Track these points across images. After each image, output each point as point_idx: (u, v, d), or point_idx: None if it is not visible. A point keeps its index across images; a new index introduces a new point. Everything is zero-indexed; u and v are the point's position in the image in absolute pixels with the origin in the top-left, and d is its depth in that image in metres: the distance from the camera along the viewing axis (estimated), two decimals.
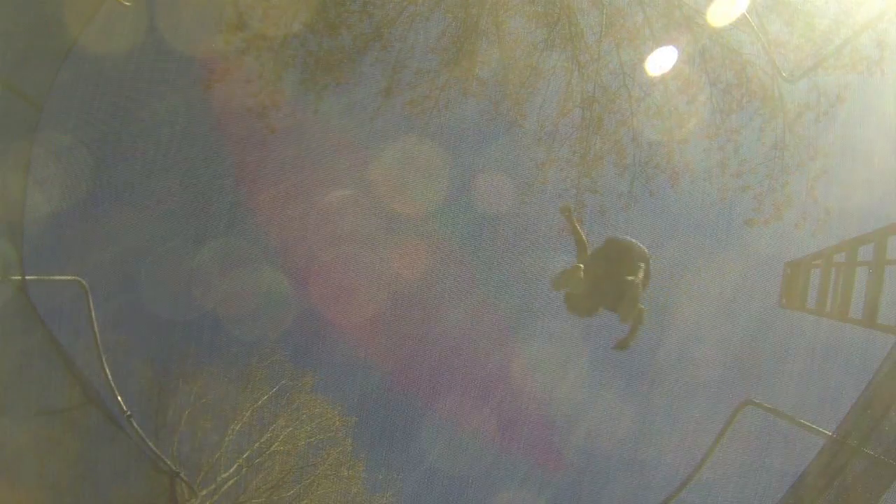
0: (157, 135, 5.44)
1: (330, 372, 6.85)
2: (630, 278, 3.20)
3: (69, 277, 4.64)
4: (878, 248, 3.43)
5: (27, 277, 4.21)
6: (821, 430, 3.93)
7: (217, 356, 6.78)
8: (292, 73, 5.99)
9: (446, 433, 6.14)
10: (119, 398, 4.63)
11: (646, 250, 3.45)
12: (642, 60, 6.04)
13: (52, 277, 4.50)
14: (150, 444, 5.05)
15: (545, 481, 5.94)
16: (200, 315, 5.95)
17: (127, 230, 5.46)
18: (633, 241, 3.48)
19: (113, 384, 4.61)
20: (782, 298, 4.72)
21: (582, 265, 3.31)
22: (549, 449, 5.99)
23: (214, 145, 5.68)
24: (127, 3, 4.58)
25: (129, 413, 4.84)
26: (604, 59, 6.06)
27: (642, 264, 3.35)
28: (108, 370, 4.52)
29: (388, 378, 6.13)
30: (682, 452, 5.10)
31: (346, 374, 6.50)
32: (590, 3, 6.03)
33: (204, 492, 7.19)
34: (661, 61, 5.93)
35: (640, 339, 3.40)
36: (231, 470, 7.55)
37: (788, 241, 5.52)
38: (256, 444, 7.65)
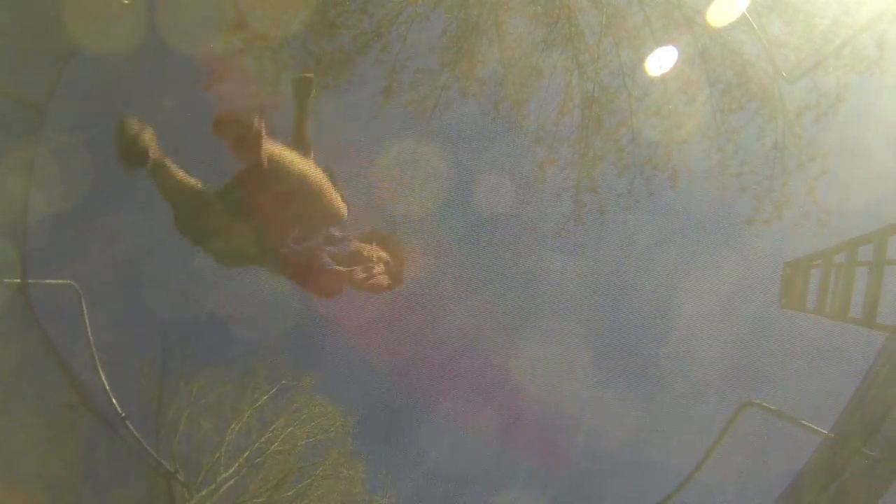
0: (157, 135, 5.42)
1: (330, 372, 6.85)
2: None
3: (63, 281, 4.63)
4: (878, 249, 3.43)
5: (23, 280, 4.20)
6: (821, 430, 3.94)
7: (217, 356, 6.78)
8: (292, 73, 5.98)
9: (447, 433, 6.15)
10: (114, 400, 4.62)
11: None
12: (642, 60, 6.03)
13: (45, 281, 4.48)
14: (145, 445, 5.04)
15: (545, 481, 5.95)
16: (201, 315, 5.95)
17: (126, 231, 5.45)
18: None
19: (107, 386, 4.61)
20: (782, 298, 4.73)
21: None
22: (549, 449, 5.99)
23: (214, 145, 5.66)
24: (126, 2, 4.57)
25: (124, 415, 4.83)
26: (604, 59, 6.06)
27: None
28: (102, 372, 4.51)
29: (388, 378, 6.13)
30: (683, 452, 5.10)
31: (346, 375, 6.51)
32: (590, 3, 6.03)
33: (203, 492, 7.19)
34: (661, 61, 5.93)
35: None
36: (231, 470, 7.55)
37: (788, 241, 5.52)
38: (256, 445, 7.65)
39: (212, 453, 7.46)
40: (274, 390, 7.48)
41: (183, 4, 5.27)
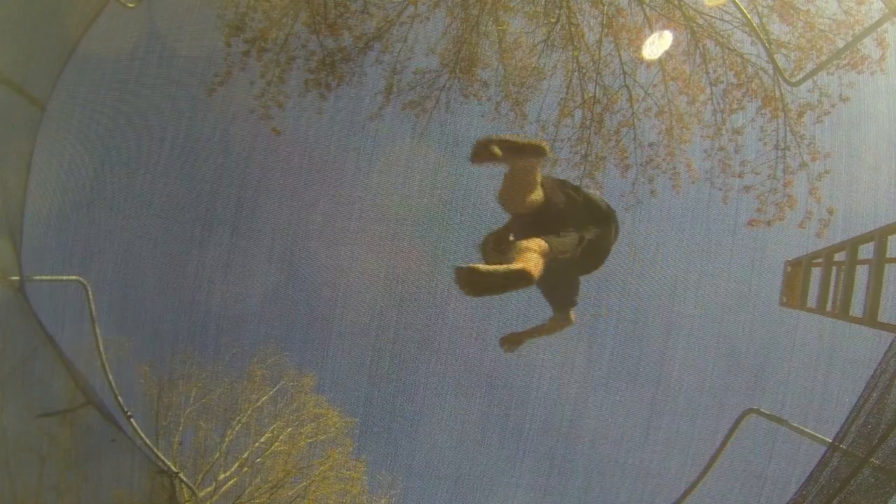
0: (159, 135, 5.46)
1: (330, 372, 6.85)
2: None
3: (71, 277, 4.64)
4: (879, 247, 3.42)
5: (28, 277, 4.21)
6: (822, 437, 3.89)
7: (218, 356, 6.79)
8: (293, 73, 6.02)
9: (447, 434, 6.13)
10: (119, 398, 4.62)
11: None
12: (642, 61, 6.04)
13: (53, 277, 4.50)
14: (149, 444, 5.05)
15: (546, 487, 5.92)
16: (201, 315, 5.96)
17: (128, 231, 5.47)
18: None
19: (114, 384, 4.61)
20: (783, 297, 4.69)
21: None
22: (550, 455, 5.97)
23: (216, 145, 5.69)
24: (131, 5, 4.61)
25: (129, 413, 4.83)
26: (604, 59, 6.07)
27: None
28: (108, 370, 4.51)
29: (388, 378, 6.12)
30: (685, 459, 5.08)
31: (346, 375, 6.50)
32: (590, 3, 6.04)
33: (204, 492, 7.19)
34: (660, 60, 5.93)
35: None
36: (231, 470, 7.55)
37: (790, 242, 5.51)
38: (256, 444, 7.66)
39: (212, 453, 7.47)
40: (274, 390, 7.48)
41: (184, 5, 5.29)
